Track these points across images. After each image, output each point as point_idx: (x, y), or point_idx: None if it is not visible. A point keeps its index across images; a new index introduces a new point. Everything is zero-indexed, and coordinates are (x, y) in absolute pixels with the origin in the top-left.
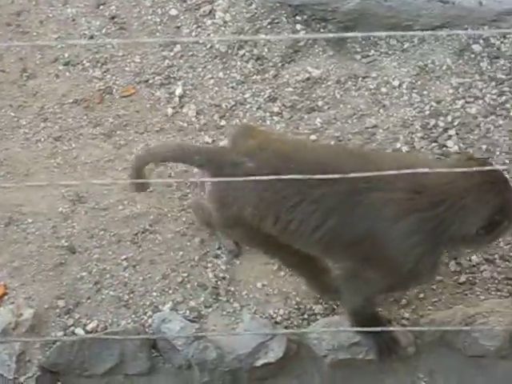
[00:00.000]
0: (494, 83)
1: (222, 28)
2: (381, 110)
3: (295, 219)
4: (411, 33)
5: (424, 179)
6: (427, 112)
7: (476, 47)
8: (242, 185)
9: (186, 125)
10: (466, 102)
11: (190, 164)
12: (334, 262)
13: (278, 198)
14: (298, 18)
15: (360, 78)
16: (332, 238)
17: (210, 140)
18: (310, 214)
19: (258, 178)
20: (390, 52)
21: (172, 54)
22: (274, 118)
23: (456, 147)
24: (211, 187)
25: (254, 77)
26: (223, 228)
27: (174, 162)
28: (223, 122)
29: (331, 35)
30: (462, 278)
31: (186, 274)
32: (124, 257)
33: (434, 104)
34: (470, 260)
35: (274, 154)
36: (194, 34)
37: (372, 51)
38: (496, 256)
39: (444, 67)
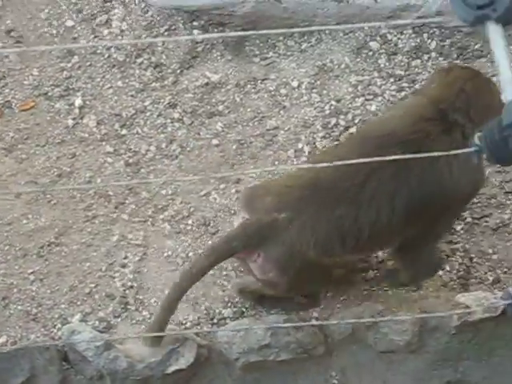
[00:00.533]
0: (392, 79)
1: (120, 37)
2: (281, 112)
3: (364, 225)
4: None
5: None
6: (327, 111)
7: (373, 44)
8: (297, 234)
9: (87, 135)
10: (366, 100)
11: (232, 254)
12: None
13: (338, 219)
14: (195, 23)
15: (259, 81)
16: (407, 216)
17: (111, 149)
18: (378, 209)
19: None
20: (288, 53)
21: (70, 65)
22: (175, 124)
23: None
24: (264, 259)
25: (153, 84)
26: (289, 290)
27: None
28: (124, 131)
29: (227, 34)
30: (370, 274)
31: (93, 285)
32: (31, 270)
33: (333, 103)
34: (376, 256)
35: (298, 192)
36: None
37: (270, 53)
38: None
39: (342, 66)
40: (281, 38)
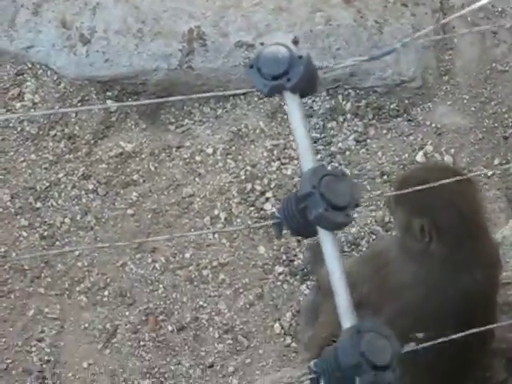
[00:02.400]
0: None
1: (32, 110)
2: (196, 179)
3: None
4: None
5: None
6: (243, 177)
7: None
8: None
9: (1, 210)
10: (282, 164)
11: None
12: None
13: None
14: (108, 93)
15: (174, 149)
16: None
17: (26, 223)
18: None
19: None
20: (203, 120)
21: None
22: (90, 195)
23: (274, 209)
24: None
25: (67, 156)
26: None
27: None
28: (39, 204)
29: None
30: (288, 340)
31: (9, 361)
32: None
33: (249, 168)
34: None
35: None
36: (2, 118)
37: (186, 120)
38: None
39: (257, 130)
40: (196, 105)
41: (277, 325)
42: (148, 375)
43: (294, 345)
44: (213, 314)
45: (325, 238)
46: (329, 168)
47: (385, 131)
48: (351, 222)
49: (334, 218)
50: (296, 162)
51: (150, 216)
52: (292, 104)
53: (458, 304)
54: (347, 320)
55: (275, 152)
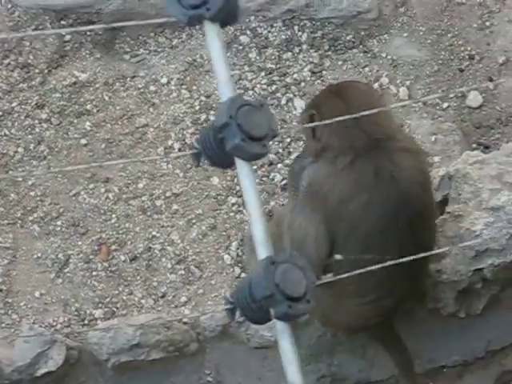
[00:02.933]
0: (263, 73)
1: None
2: (150, 109)
3: None
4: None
5: None
6: (197, 107)
7: (244, 38)
8: None
9: None
10: None
11: None
12: None
13: None
14: (63, 22)
15: (128, 78)
16: None
17: None
18: None
19: None
20: (158, 50)
21: None
22: (43, 125)
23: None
24: None
25: (21, 85)
26: None
27: None
28: None
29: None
30: (237, 270)
31: None
32: None
33: (203, 99)
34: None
35: None
36: None
37: (141, 50)
38: None
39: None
40: (151, 35)
41: (226, 255)
42: (100, 305)
43: (243, 275)
44: (165, 244)
45: (241, 168)
46: (247, 98)
47: (340, 62)
48: (268, 152)
49: (250, 148)
50: (251, 92)
51: (103, 146)
52: (211, 33)
53: (391, 196)
54: (262, 251)
55: None
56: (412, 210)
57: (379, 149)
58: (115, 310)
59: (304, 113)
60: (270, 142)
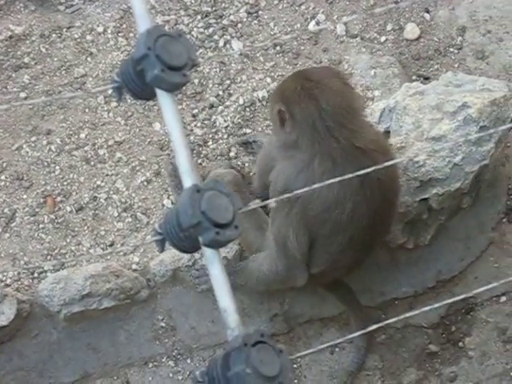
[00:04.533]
0: (199, 17)
1: None
2: (88, 58)
3: None
4: None
5: None
6: None
7: None
8: None
9: None
10: None
11: None
12: None
13: None
14: None
15: (64, 29)
16: None
17: None
18: None
19: None
20: None
21: None
22: None
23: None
24: None
25: None
26: None
27: None
28: None
29: None
30: None
31: None
32: None
33: None
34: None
35: None
36: None
37: (76, 0)
38: None
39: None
40: None
41: (167, 200)
42: (49, 257)
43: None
44: (111, 192)
45: (163, 99)
46: (164, 28)
47: (276, 2)
48: (188, 81)
49: (170, 78)
50: (188, 36)
51: (43, 98)
52: None
53: (375, 198)
54: (187, 180)
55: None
56: (390, 207)
57: (356, 153)
58: (64, 261)
59: (271, 101)
60: (191, 71)
